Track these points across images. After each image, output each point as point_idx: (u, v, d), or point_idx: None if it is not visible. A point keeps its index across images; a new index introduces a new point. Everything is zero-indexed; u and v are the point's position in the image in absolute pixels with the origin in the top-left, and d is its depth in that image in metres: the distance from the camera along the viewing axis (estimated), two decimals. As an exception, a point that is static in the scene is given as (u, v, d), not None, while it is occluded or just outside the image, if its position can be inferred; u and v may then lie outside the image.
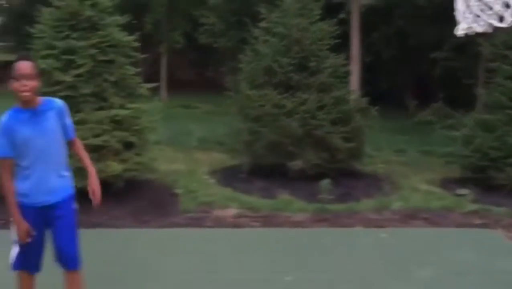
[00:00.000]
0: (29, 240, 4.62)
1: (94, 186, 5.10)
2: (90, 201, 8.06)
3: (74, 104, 8.62)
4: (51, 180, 4.71)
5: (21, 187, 4.61)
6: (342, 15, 15.00)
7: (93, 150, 8.40)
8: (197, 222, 8.20)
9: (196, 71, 25.94)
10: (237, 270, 6.51)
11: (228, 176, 10.37)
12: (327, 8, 11.58)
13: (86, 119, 8.53)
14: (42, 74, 8.70)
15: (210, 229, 8.01)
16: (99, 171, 8.17)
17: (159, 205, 8.81)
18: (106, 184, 8.33)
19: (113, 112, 8.67)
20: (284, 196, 9.20)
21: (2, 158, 4.56)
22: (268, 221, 8.34)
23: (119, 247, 7.30)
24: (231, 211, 8.66)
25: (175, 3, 20.64)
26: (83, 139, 8.26)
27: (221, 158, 11.27)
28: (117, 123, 8.69)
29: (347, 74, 11.26)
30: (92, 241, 7.53)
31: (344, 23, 14.49)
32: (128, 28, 9.32)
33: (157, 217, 8.35)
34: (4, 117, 4.57)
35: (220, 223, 8.20)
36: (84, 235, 7.65)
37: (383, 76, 19.77)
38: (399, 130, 15.64)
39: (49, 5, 9.29)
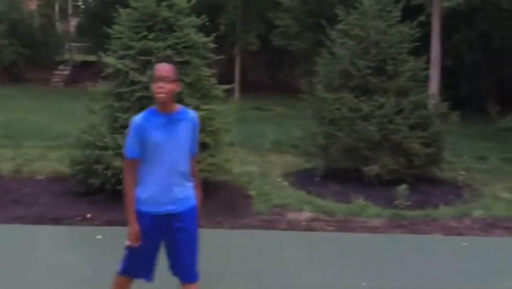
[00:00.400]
0: (138, 245, 4.43)
1: (198, 198, 4.76)
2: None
3: (149, 105, 8.66)
4: (175, 189, 4.46)
5: (143, 192, 4.41)
6: (422, 18, 14.63)
7: (167, 150, 8.45)
8: (270, 224, 8.11)
9: (270, 73, 25.89)
10: (311, 274, 6.37)
11: (302, 179, 10.24)
12: (407, 10, 11.32)
13: (161, 119, 8.56)
14: (118, 74, 8.89)
15: (284, 231, 7.90)
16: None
17: (233, 207, 8.77)
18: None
19: (188, 113, 8.66)
20: (359, 200, 9.01)
21: (130, 159, 4.40)
22: (342, 225, 8.17)
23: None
24: (305, 214, 8.53)
25: (250, 4, 20.65)
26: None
27: (295, 161, 11.16)
28: (192, 124, 8.67)
29: (426, 78, 10.98)
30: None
31: (424, 25, 14.14)
32: (202, 29, 9.32)
33: (230, 218, 8.31)
34: (138, 117, 4.42)
35: (294, 226, 8.09)
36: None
37: (464, 81, 19.24)
38: (481, 136, 15.18)
39: (125, 6, 9.39)
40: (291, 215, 8.47)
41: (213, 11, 15.02)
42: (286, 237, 7.71)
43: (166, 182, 4.39)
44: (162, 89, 4.27)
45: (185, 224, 4.48)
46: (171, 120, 4.36)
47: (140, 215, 4.40)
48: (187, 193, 4.52)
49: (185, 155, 4.47)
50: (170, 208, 4.45)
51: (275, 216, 8.43)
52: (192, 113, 4.51)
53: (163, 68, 4.32)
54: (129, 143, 4.37)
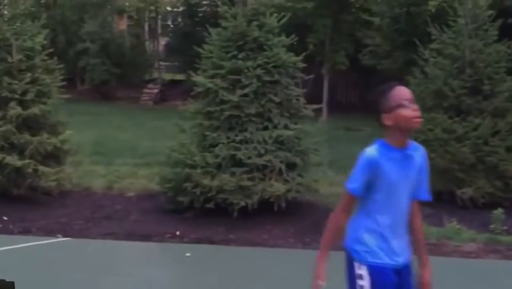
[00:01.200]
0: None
1: (427, 280, 3.73)
2: (249, 218, 8.11)
3: (238, 124, 8.72)
4: (401, 237, 3.69)
5: (366, 238, 3.56)
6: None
7: (256, 169, 8.44)
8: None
9: (358, 93, 25.62)
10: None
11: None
12: (504, 28, 10.93)
13: (250, 138, 8.57)
14: (208, 93, 8.97)
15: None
16: (262, 191, 8.28)
17: (320, 227, 8.55)
18: (267, 204, 8.36)
19: (277, 132, 8.65)
20: (452, 224, 8.73)
21: (351, 194, 3.59)
22: (435, 249, 7.91)
23: (280, 267, 7.21)
24: (396, 238, 8.31)
25: (339, 24, 20.54)
26: (247, 158, 8.36)
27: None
28: (281, 144, 8.65)
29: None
30: (251, 260, 7.54)
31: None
32: (291, 49, 9.29)
33: (318, 239, 8.16)
34: (372, 150, 3.64)
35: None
36: (243, 253, 7.75)
37: None
38: None
39: (215, 25, 9.47)
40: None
41: (302, 31, 15.03)
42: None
43: (393, 227, 3.62)
44: (418, 113, 3.42)
45: (406, 279, 3.62)
46: (406, 155, 3.61)
47: (376, 268, 3.50)
48: (407, 241, 3.70)
49: (411, 198, 3.69)
50: (396, 259, 3.57)
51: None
52: (422, 148, 3.63)
53: (407, 90, 3.51)
54: (356, 177, 3.58)
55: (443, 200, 9.53)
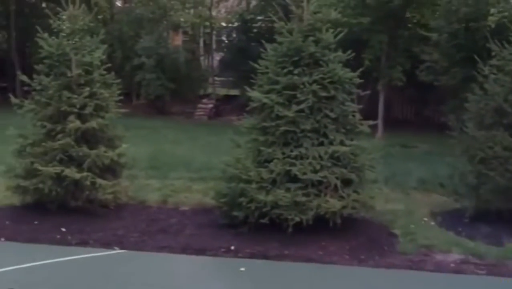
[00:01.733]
0: None
1: None
2: (304, 234, 8.07)
3: (294, 139, 8.69)
4: None
5: None
6: None
7: (311, 185, 8.40)
8: (416, 265, 7.84)
9: (415, 109, 25.31)
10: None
11: (450, 219, 9.82)
12: None
13: (306, 154, 8.54)
14: (263, 108, 8.97)
15: (431, 273, 7.61)
16: (317, 207, 8.23)
17: (376, 244, 8.56)
18: (322, 220, 8.31)
19: (333, 148, 8.59)
20: (512, 244, 8.52)
21: None
22: (494, 269, 7.75)
23: (335, 283, 7.16)
24: (453, 256, 8.16)
25: (396, 39, 20.36)
26: (302, 174, 8.33)
27: (442, 200, 10.74)
28: (336, 160, 8.59)
29: None
30: (306, 275, 7.50)
31: None
32: (346, 64, 9.24)
33: (374, 256, 8.12)
34: None
35: (441, 267, 7.77)
36: (298, 269, 7.70)
37: None
38: None
39: (270, 41, 9.48)
40: (439, 257, 8.13)
41: (357, 46, 14.92)
42: (433, 279, 7.42)
43: None
44: None
45: None
46: None
47: None
48: None
49: None
50: None
51: (422, 257, 8.14)
52: None
53: None
54: None
55: (503, 219, 9.32)
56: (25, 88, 9.78)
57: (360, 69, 9.45)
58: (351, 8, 19.53)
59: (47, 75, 9.66)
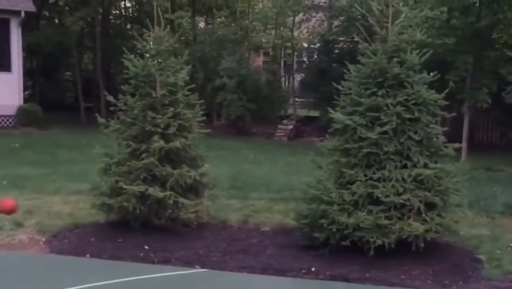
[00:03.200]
0: None
1: None
2: (386, 257, 7.94)
3: (377, 161, 8.60)
4: None
5: None
6: None
7: (394, 208, 8.28)
8: (502, 292, 7.60)
9: (500, 132, 24.70)
10: None
11: (538, 246, 9.48)
12: None
13: (389, 176, 8.43)
14: (346, 130, 8.91)
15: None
16: (399, 230, 8.09)
17: (460, 270, 8.34)
18: (404, 243, 8.16)
19: (416, 171, 8.45)
20: None
21: None
22: None
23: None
24: (542, 285, 7.87)
25: (482, 60, 19.96)
26: (385, 196, 8.22)
27: (529, 226, 10.43)
28: (420, 183, 8.44)
29: None
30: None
31: None
32: (430, 86, 9.09)
33: (458, 282, 7.94)
34: None
35: (529, 296, 7.49)
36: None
37: None
38: None
39: (352, 62, 9.43)
40: (526, 284, 7.86)
41: (442, 67, 14.71)
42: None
43: None
44: None
45: None
46: None
47: None
48: None
49: None
50: None
51: (508, 283, 7.89)
52: None
53: None
54: None
55: None
56: (111, 108, 10.01)
57: (445, 91, 9.29)
58: (435, 29, 19.30)
59: (132, 95, 9.88)
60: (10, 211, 8.93)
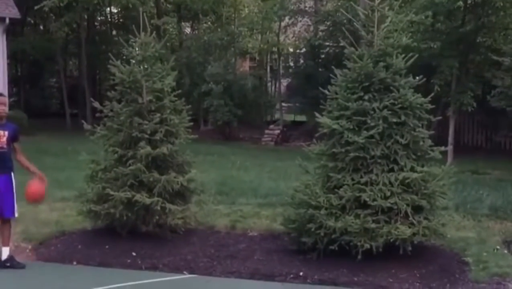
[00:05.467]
0: None
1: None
2: (374, 261, 7.96)
3: (364, 165, 8.62)
4: None
5: None
6: None
7: (381, 212, 8.30)
8: (490, 295, 7.63)
9: (485, 135, 24.85)
10: None
11: (524, 248, 9.54)
12: None
13: (376, 180, 8.45)
14: (333, 134, 8.93)
15: (505, 304, 7.38)
16: (387, 234, 8.10)
17: (448, 273, 8.37)
18: (392, 247, 8.18)
19: (403, 174, 8.47)
20: None
21: None
22: None
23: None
24: (529, 287, 7.90)
25: (467, 64, 20.09)
26: (372, 200, 8.24)
27: (516, 229, 10.48)
28: (407, 186, 8.47)
29: None
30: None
31: None
32: (416, 90, 9.13)
33: (445, 284, 7.96)
34: None
35: (516, 298, 7.52)
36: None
37: None
38: None
39: (338, 66, 9.45)
40: (513, 286, 7.89)
41: (427, 71, 14.78)
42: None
43: None
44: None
45: None
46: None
47: None
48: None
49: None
50: None
51: (495, 286, 7.91)
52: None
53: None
54: None
55: None
56: (97, 115, 9.98)
57: (431, 95, 9.33)
58: (420, 33, 19.41)
59: (119, 101, 9.85)
60: (37, 198, 8.57)
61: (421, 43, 18.63)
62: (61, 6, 27.47)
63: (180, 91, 10.36)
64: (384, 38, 9.03)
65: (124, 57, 10.17)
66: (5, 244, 8.30)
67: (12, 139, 8.37)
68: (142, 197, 9.14)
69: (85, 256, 8.82)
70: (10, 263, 8.24)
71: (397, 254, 8.22)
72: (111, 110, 9.79)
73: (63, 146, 20.89)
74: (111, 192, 9.16)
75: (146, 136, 9.47)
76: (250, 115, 28.71)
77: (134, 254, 8.87)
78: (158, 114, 9.62)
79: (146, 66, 9.95)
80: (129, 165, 9.32)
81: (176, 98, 10.07)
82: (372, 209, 8.33)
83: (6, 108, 8.32)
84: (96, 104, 9.97)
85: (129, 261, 8.68)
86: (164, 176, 9.38)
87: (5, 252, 8.27)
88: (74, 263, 8.64)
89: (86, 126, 9.92)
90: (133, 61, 10.12)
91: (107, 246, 9.15)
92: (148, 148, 9.35)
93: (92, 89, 32.14)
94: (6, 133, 8.29)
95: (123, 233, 9.37)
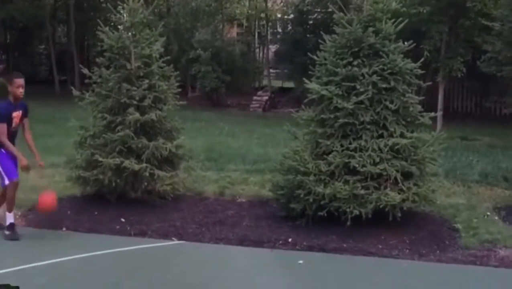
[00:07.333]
0: None
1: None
2: (363, 227, 7.97)
3: (353, 131, 8.58)
4: None
5: None
6: None
7: (371, 178, 8.28)
8: (479, 260, 7.66)
9: (475, 101, 24.85)
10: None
11: (514, 213, 9.57)
12: None
13: (365, 146, 8.42)
14: (321, 100, 8.87)
15: (495, 269, 7.41)
16: (376, 200, 8.10)
17: (438, 239, 8.39)
18: (381, 213, 8.18)
19: (393, 140, 8.45)
20: None
21: None
22: None
23: (395, 277, 7.06)
24: (518, 252, 7.94)
25: (457, 30, 19.99)
26: (361, 166, 8.22)
27: (505, 195, 10.50)
28: (396, 152, 8.45)
29: None
30: (365, 269, 7.41)
31: None
32: (406, 55, 9.07)
33: (435, 251, 7.97)
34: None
35: (506, 263, 7.55)
36: (357, 262, 7.60)
37: None
38: None
39: (327, 32, 9.37)
40: (503, 252, 7.91)
41: (416, 37, 14.67)
42: (497, 274, 7.22)
43: None
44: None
45: None
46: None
47: None
48: None
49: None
50: None
51: (485, 252, 7.93)
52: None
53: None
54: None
55: None
56: (85, 81, 9.89)
57: (420, 60, 9.27)
58: (410, -2, 19.25)
59: (107, 67, 9.77)
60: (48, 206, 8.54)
61: (411, 8, 18.52)
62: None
63: (168, 57, 10.28)
64: (373, 3, 8.96)
65: (113, 24, 10.07)
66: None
67: (23, 116, 8.44)
68: (130, 163, 9.10)
69: (74, 222, 8.79)
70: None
71: (386, 220, 8.23)
72: (100, 76, 9.72)
73: (52, 112, 20.72)
74: (100, 158, 9.11)
75: (135, 102, 9.39)
76: (238, 82, 28.56)
77: (123, 220, 8.84)
78: (147, 80, 9.54)
79: (134, 32, 9.85)
80: (118, 131, 9.26)
81: (164, 64, 9.99)
82: (362, 175, 8.31)
83: (23, 90, 8.35)
84: (85, 71, 9.88)
85: (118, 227, 8.65)
86: (152, 142, 9.33)
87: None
88: (63, 229, 8.60)
89: (75, 92, 9.83)
90: (122, 27, 10.03)
91: (96, 212, 9.12)
92: (137, 114, 9.28)
93: (80, 56, 31.86)
94: (20, 112, 8.36)
95: (112, 199, 9.35)
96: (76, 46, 31.02)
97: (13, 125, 8.23)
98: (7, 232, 8.13)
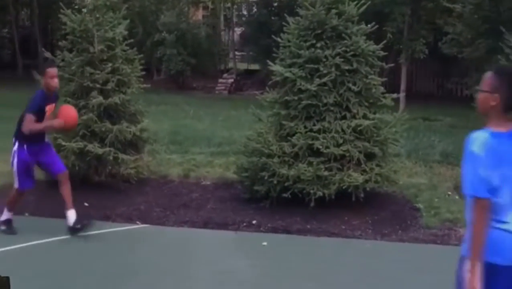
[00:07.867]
0: None
1: None
2: (326, 209, 8.04)
3: (316, 113, 8.64)
4: None
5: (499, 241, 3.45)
6: None
7: (334, 159, 8.35)
8: (440, 239, 7.81)
9: (437, 82, 25.12)
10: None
11: (473, 193, 9.71)
12: None
13: (328, 128, 8.48)
14: (285, 82, 8.91)
15: (456, 247, 7.51)
16: (339, 181, 8.18)
17: (400, 219, 8.51)
18: (345, 194, 8.27)
19: (356, 122, 8.52)
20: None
21: (483, 199, 3.40)
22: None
23: (358, 258, 7.15)
24: (477, 231, 8.07)
25: (419, 11, 20.14)
26: (325, 148, 8.28)
27: (466, 174, 10.64)
28: (359, 133, 8.53)
29: None
30: (329, 250, 7.50)
31: None
32: (369, 37, 9.14)
33: (397, 231, 8.09)
34: (484, 136, 3.46)
35: (466, 242, 7.68)
36: (321, 243, 7.69)
37: None
38: None
39: (291, 14, 9.40)
40: (463, 231, 8.03)
41: (379, 19, 14.75)
42: (458, 253, 7.32)
43: None
44: None
45: None
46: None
47: (492, 272, 3.44)
48: None
49: None
50: None
51: (446, 231, 8.08)
52: None
53: None
54: (476, 175, 3.43)
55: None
56: (49, 65, 9.76)
57: (383, 42, 9.35)
58: (373, -20, 19.30)
59: (70, 51, 9.68)
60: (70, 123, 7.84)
61: (374, -10, 18.59)
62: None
63: (132, 40, 10.21)
64: (336, -16, 8.96)
65: (76, 7, 9.94)
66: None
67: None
68: (94, 147, 9.05)
69: (36, 208, 8.71)
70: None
71: (349, 201, 8.32)
72: (63, 60, 9.63)
73: (15, 97, 20.40)
74: (63, 143, 9.04)
75: (98, 85, 9.34)
76: (204, 64, 28.42)
77: (86, 204, 8.79)
78: (110, 64, 9.48)
79: (97, 15, 9.76)
80: (81, 115, 9.18)
81: (128, 48, 9.93)
82: (325, 157, 8.38)
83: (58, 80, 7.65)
84: (48, 54, 9.82)
85: (81, 211, 8.59)
86: (116, 126, 9.28)
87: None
88: (26, 214, 8.51)
89: (37, 76, 9.70)
90: (85, 10, 9.92)
91: (59, 197, 9.05)
92: (100, 98, 9.23)
93: (44, 39, 31.43)
94: (54, 105, 7.68)
95: (75, 183, 9.27)
96: (40, 30, 30.59)
97: (44, 120, 7.42)
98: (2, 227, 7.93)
